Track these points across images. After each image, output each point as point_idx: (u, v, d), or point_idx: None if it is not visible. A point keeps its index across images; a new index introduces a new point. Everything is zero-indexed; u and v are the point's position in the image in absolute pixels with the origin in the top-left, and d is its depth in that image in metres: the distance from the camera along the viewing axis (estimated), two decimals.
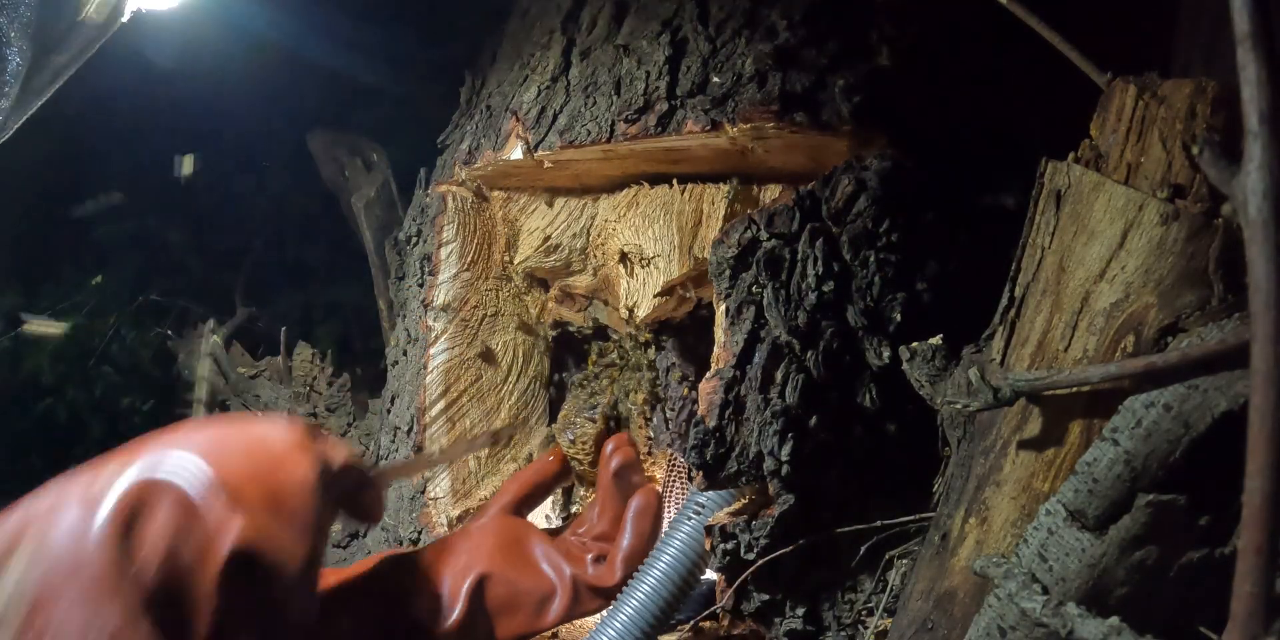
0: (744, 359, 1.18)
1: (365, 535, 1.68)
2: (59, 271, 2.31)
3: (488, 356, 1.56)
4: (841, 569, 1.18)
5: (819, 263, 1.17)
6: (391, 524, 1.61)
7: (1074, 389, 0.88)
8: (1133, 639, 0.73)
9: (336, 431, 1.88)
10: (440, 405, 1.51)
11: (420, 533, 1.55)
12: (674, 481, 1.56)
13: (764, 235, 1.20)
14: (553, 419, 1.63)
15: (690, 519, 1.25)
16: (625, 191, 1.44)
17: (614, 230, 1.43)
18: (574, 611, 1.24)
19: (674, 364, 1.48)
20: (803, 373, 1.16)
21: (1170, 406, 0.79)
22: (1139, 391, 0.81)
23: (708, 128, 1.25)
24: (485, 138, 1.49)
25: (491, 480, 1.54)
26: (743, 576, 1.16)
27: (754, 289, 1.19)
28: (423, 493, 1.55)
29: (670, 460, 1.54)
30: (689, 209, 1.37)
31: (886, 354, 1.16)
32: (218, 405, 2.02)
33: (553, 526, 1.56)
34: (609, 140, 1.31)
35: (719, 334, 1.22)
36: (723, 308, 1.22)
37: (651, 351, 1.50)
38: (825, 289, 1.17)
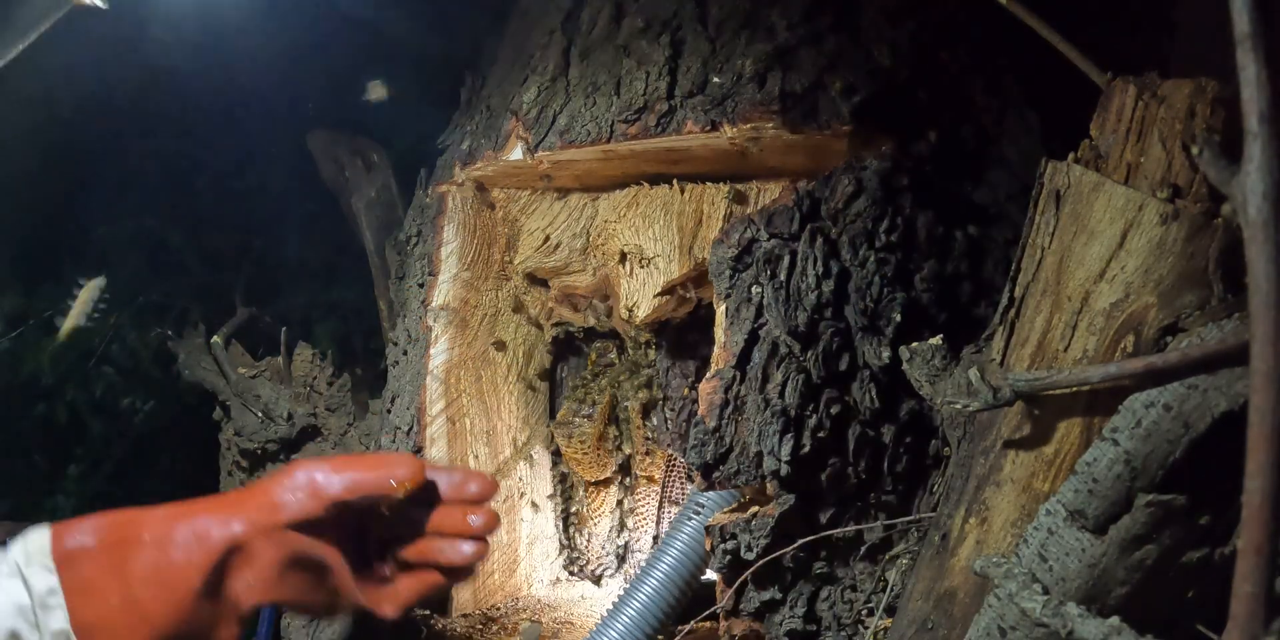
0: (743, 359, 1.18)
1: None
2: (59, 272, 2.30)
3: (488, 356, 1.56)
4: (841, 568, 1.18)
5: (818, 263, 1.17)
6: None
7: (1074, 389, 0.88)
8: (1133, 639, 0.73)
9: (336, 432, 1.88)
10: (440, 405, 1.51)
11: None
12: (673, 481, 1.56)
13: (764, 235, 1.20)
14: (552, 418, 1.63)
15: (691, 519, 1.25)
16: (625, 191, 1.44)
17: (614, 230, 1.43)
18: None
19: (674, 364, 1.48)
20: (802, 373, 1.16)
21: (1170, 406, 0.79)
22: (1139, 391, 0.81)
23: (707, 128, 1.25)
24: (485, 138, 1.49)
25: None
26: (743, 576, 1.16)
27: (754, 289, 1.19)
28: None
29: (669, 460, 1.54)
30: (689, 209, 1.37)
31: (886, 354, 1.16)
32: (218, 405, 2.02)
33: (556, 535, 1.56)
34: (609, 140, 1.31)
35: (719, 334, 1.22)
36: (722, 308, 1.22)
37: (651, 351, 1.51)
38: (825, 289, 1.17)
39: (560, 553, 1.57)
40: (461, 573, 0.87)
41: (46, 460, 2.38)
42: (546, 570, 1.55)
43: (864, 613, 1.17)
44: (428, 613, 1.42)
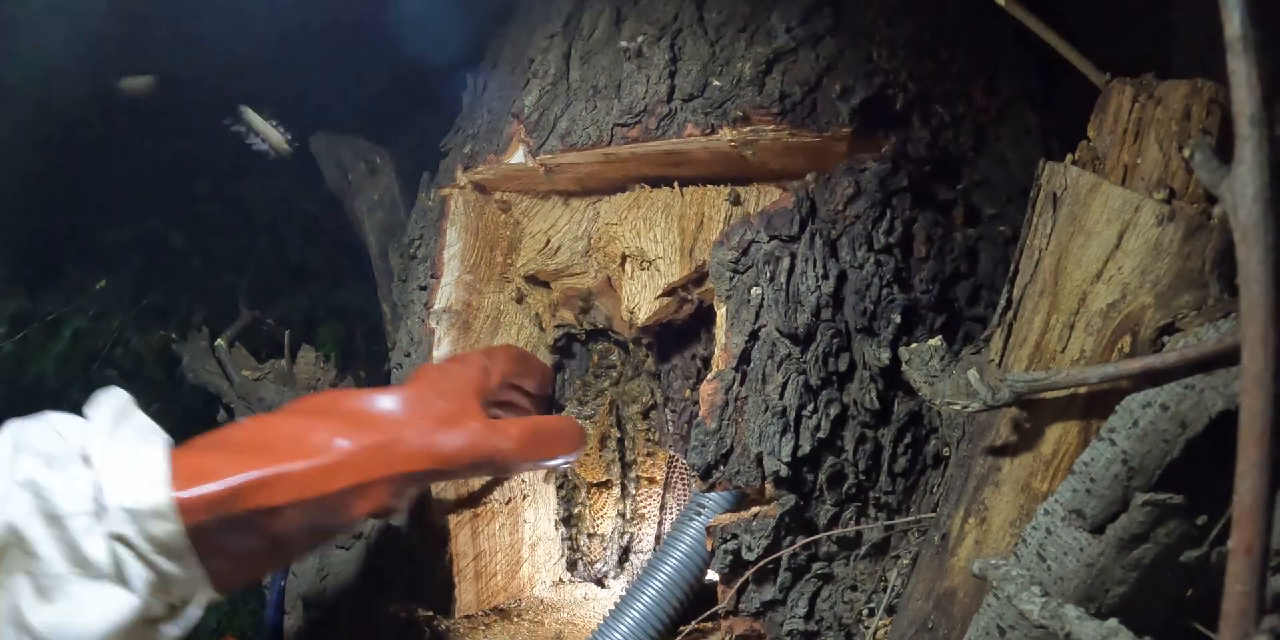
0: (744, 360, 1.19)
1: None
2: (62, 274, 2.31)
3: None
4: (842, 568, 1.19)
5: (818, 264, 1.18)
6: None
7: (1072, 389, 0.89)
8: None
9: None
10: None
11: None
12: (675, 482, 1.56)
13: (763, 237, 1.21)
14: None
15: (693, 520, 1.25)
16: (626, 194, 1.44)
17: (615, 233, 1.43)
18: None
19: (675, 366, 1.49)
20: (802, 374, 1.16)
21: (1167, 406, 0.79)
22: (1136, 392, 0.81)
23: (707, 131, 1.25)
24: (487, 141, 1.49)
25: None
26: (744, 577, 1.17)
27: (753, 291, 1.19)
28: None
29: (671, 461, 1.55)
30: (690, 211, 1.37)
31: (885, 355, 1.17)
32: (222, 408, 2.03)
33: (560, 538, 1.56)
34: (609, 143, 1.32)
35: (719, 336, 1.23)
36: (723, 310, 1.23)
37: (652, 353, 1.51)
38: (824, 290, 1.17)
39: (563, 554, 1.57)
40: None
41: None
42: (549, 571, 1.55)
43: (865, 612, 1.17)
44: (430, 613, 1.42)
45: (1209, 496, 0.78)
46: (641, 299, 1.40)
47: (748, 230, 1.22)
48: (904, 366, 1.03)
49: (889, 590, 1.16)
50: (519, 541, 1.51)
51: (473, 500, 1.47)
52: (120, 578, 0.91)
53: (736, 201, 1.34)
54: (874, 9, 1.31)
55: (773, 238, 1.20)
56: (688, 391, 1.49)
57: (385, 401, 1.09)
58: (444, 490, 1.45)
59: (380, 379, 1.86)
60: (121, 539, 0.91)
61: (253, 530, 0.98)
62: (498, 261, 1.57)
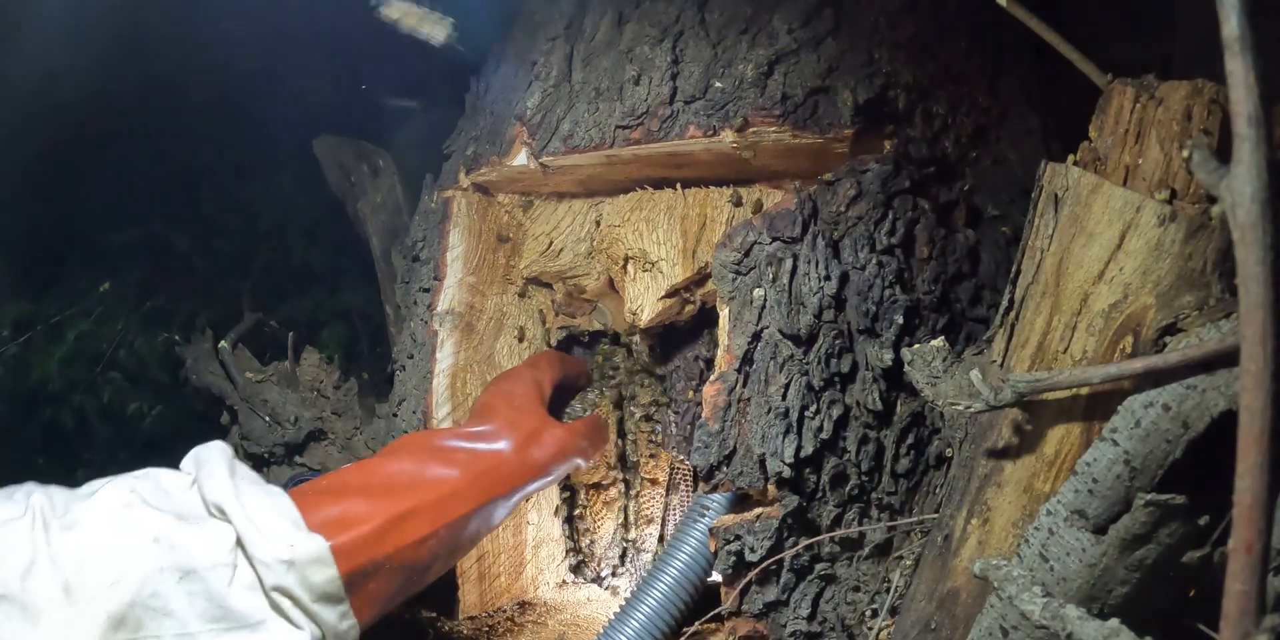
0: (746, 362, 1.19)
1: None
2: (66, 278, 2.31)
3: (494, 360, 1.56)
4: (845, 569, 1.19)
5: (820, 265, 1.18)
6: None
7: (1074, 390, 0.89)
8: None
9: (343, 436, 1.88)
10: (447, 409, 1.51)
11: None
12: (678, 484, 1.56)
13: (765, 239, 1.21)
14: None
15: (697, 521, 1.26)
16: (629, 196, 1.44)
17: (618, 234, 1.43)
18: None
19: (678, 367, 1.49)
20: (805, 375, 1.16)
21: (1169, 406, 0.79)
22: (1138, 392, 0.81)
23: (710, 132, 1.26)
24: (490, 143, 1.50)
25: None
26: (747, 577, 1.17)
27: (756, 292, 1.19)
28: None
29: (674, 462, 1.55)
30: (693, 213, 1.37)
31: (888, 356, 1.17)
32: (226, 410, 2.03)
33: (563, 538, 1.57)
34: (612, 146, 1.32)
35: (722, 337, 1.23)
36: (726, 311, 1.23)
37: (655, 354, 1.51)
38: (826, 291, 1.17)
39: (566, 555, 1.57)
40: None
41: (54, 465, 2.38)
42: (553, 573, 1.55)
43: (868, 613, 1.17)
44: (434, 615, 1.43)
45: (1211, 496, 0.78)
46: (644, 300, 1.40)
47: (750, 232, 1.22)
48: (906, 367, 1.03)
49: (892, 591, 1.16)
50: (522, 543, 1.52)
51: None
52: (274, 628, 0.93)
53: (740, 203, 1.34)
54: (875, 10, 1.31)
55: (775, 239, 1.21)
56: (690, 393, 1.49)
57: (476, 434, 1.19)
58: None
59: (383, 381, 1.86)
60: (282, 590, 0.94)
61: (394, 567, 1.05)
62: (501, 263, 1.57)
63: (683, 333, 1.48)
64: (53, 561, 0.87)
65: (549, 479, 1.24)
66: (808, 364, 1.17)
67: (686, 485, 1.55)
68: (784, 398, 1.16)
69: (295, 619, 0.94)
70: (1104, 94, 0.97)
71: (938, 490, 1.19)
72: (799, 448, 1.15)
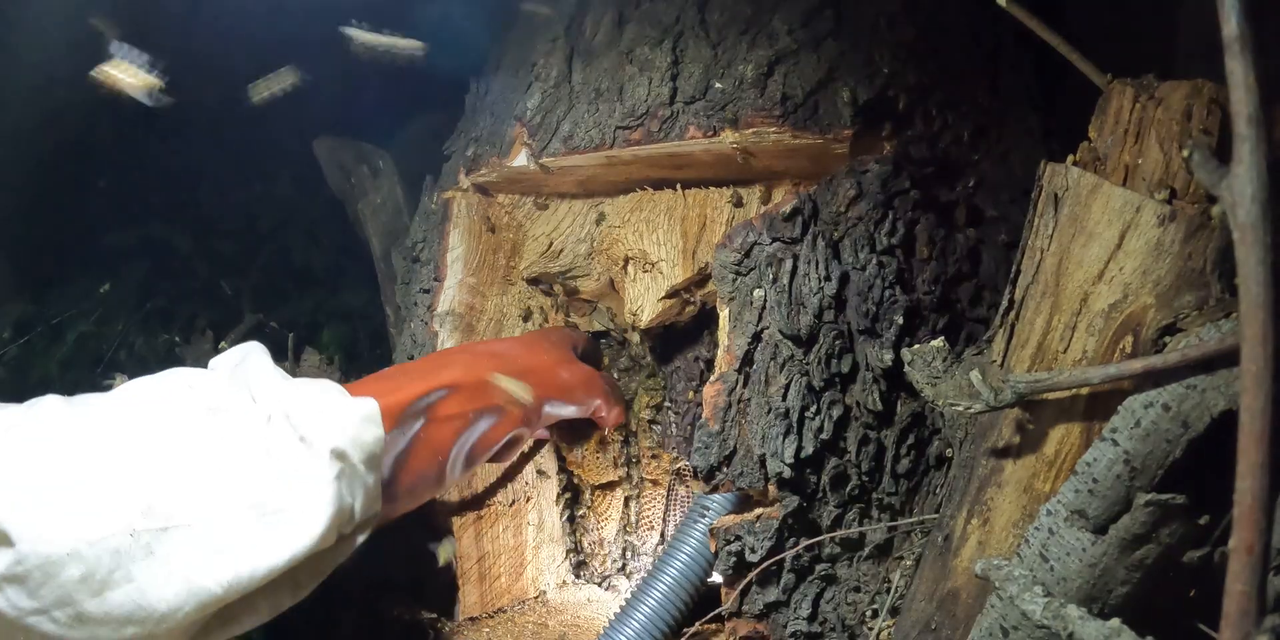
0: (746, 362, 1.19)
1: None
2: (66, 278, 2.31)
3: None
4: (845, 570, 1.19)
5: (820, 266, 1.18)
6: None
7: (1074, 390, 0.89)
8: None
9: None
10: None
11: None
12: (680, 484, 1.56)
13: (765, 239, 1.21)
14: None
15: (698, 522, 1.26)
16: (629, 196, 1.44)
17: (618, 235, 1.43)
18: None
19: (678, 368, 1.49)
20: (805, 375, 1.16)
21: (1169, 406, 0.79)
22: (1138, 392, 0.81)
23: (710, 133, 1.26)
24: (490, 144, 1.50)
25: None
26: (747, 578, 1.17)
27: (756, 292, 1.19)
28: None
29: (675, 463, 1.55)
30: (693, 214, 1.37)
31: (888, 356, 1.17)
32: None
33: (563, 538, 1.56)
34: (612, 146, 1.32)
35: (722, 338, 1.23)
36: (726, 311, 1.23)
37: (656, 355, 1.51)
38: (826, 292, 1.17)
39: (567, 556, 1.57)
40: None
41: None
42: (553, 573, 1.55)
43: (868, 614, 1.17)
44: (434, 616, 1.42)
45: (1212, 496, 0.78)
46: (645, 301, 1.40)
47: (750, 232, 1.22)
48: (906, 368, 1.03)
49: (892, 591, 1.16)
50: (522, 544, 1.52)
51: (476, 502, 1.48)
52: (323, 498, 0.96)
53: (739, 203, 1.34)
54: (875, 11, 1.31)
55: (775, 239, 1.21)
56: (691, 393, 1.49)
57: (515, 347, 1.31)
58: (448, 492, 1.46)
59: None
60: (337, 453, 0.98)
61: (424, 444, 1.12)
62: (501, 264, 1.57)
63: (683, 333, 1.48)
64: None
65: (572, 406, 1.32)
66: (808, 364, 1.17)
67: (688, 486, 1.55)
68: (784, 398, 1.16)
69: (342, 490, 0.98)
70: (1104, 94, 0.97)
71: (938, 490, 1.19)
72: (799, 448, 1.15)
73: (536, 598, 1.52)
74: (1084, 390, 0.89)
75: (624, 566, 1.60)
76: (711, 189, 1.37)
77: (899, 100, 1.28)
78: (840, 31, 1.28)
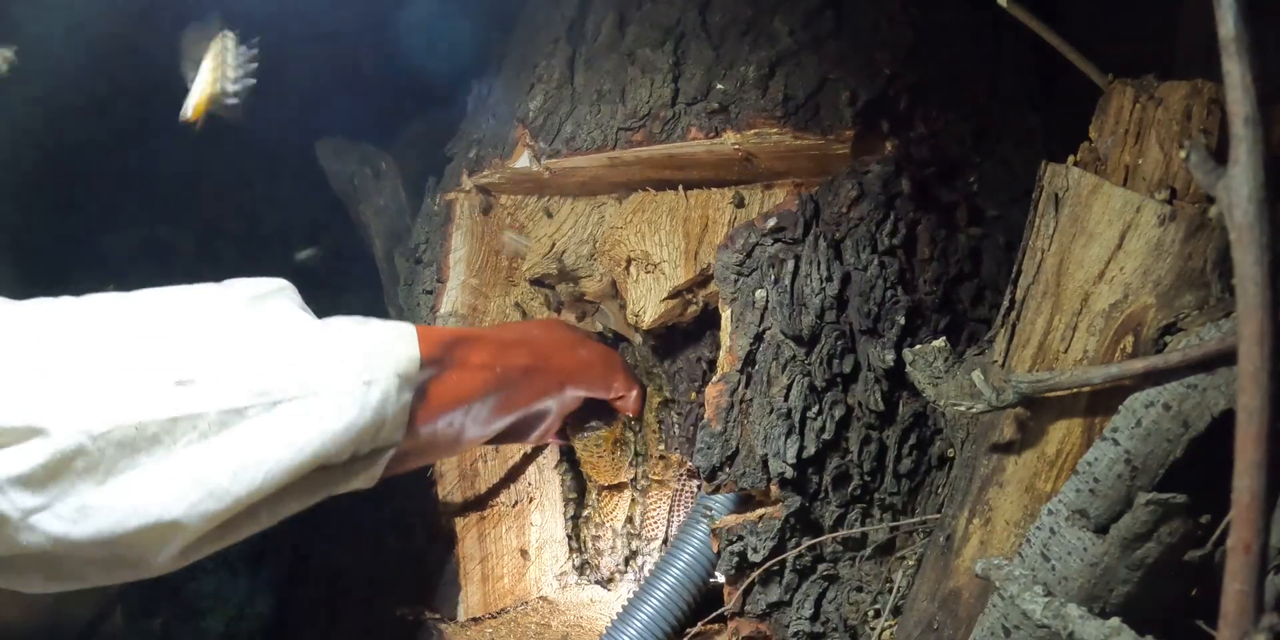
0: (748, 363, 1.19)
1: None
2: (69, 280, 2.31)
3: None
4: (847, 570, 1.19)
5: (822, 266, 1.18)
6: None
7: (1075, 390, 0.89)
8: (1132, 639, 0.73)
9: None
10: None
11: None
12: (684, 485, 1.56)
13: (768, 240, 1.21)
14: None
15: (701, 522, 1.26)
16: (631, 198, 1.45)
17: (620, 236, 1.44)
18: None
19: (680, 368, 1.49)
20: (807, 375, 1.17)
21: (1170, 406, 0.79)
22: (1139, 391, 0.81)
23: (711, 134, 1.26)
24: (492, 146, 1.50)
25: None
26: (750, 578, 1.17)
27: (758, 293, 1.20)
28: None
29: (680, 463, 1.55)
30: (695, 214, 1.37)
31: (889, 356, 1.17)
32: None
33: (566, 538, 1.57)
34: (614, 147, 1.33)
35: (724, 338, 1.23)
36: (728, 312, 1.23)
37: (660, 355, 1.51)
38: (828, 292, 1.17)
39: (569, 556, 1.57)
40: None
41: None
42: (556, 573, 1.55)
43: (870, 613, 1.17)
44: (437, 616, 1.43)
45: (1213, 495, 0.78)
46: (647, 302, 1.40)
47: (752, 233, 1.22)
48: (908, 368, 1.03)
49: (894, 591, 1.16)
50: (525, 544, 1.52)
51: (479, 503, 1.48)
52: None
53: (740, 204, 1.34)
54: (876, 11, 1.31)
55: (777, 240, 1.21)
56: (693, 394, 1.49)
57: (533, 327, 1.37)
58: (451, 492, 1.46)
59: None
60: (368, 359, 0.97)
61: (452, 385, 1.10)
62: (503, 265, 1.58)
63: (685, 334, 1.48)
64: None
65: (591, 384, 1.34)
66: (810, 365, 1.17)
67: (692, 486, 1.55)
68: (786, 398, 1.16)
69: (367, 399, 0.96)
70: (1104, 94, 0.97)
71: (940, 490, 1.19)
72: (801, 448, 1.15)
73: (539, 598, 1.52)
74: (1085, 390, 0.89)
75: (627, 567, 1.60)
76: (713, 190, 1.37)
77: (900, 101, 1.29)
78: (841, 32, 1.29)
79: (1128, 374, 0.81)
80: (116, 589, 1.64)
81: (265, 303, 1.02)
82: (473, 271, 1.55)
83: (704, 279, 1.37)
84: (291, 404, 0.90)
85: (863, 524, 1.19)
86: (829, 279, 1.18)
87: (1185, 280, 0.84)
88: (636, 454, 1.57)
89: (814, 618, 1.18)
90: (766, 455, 1.16)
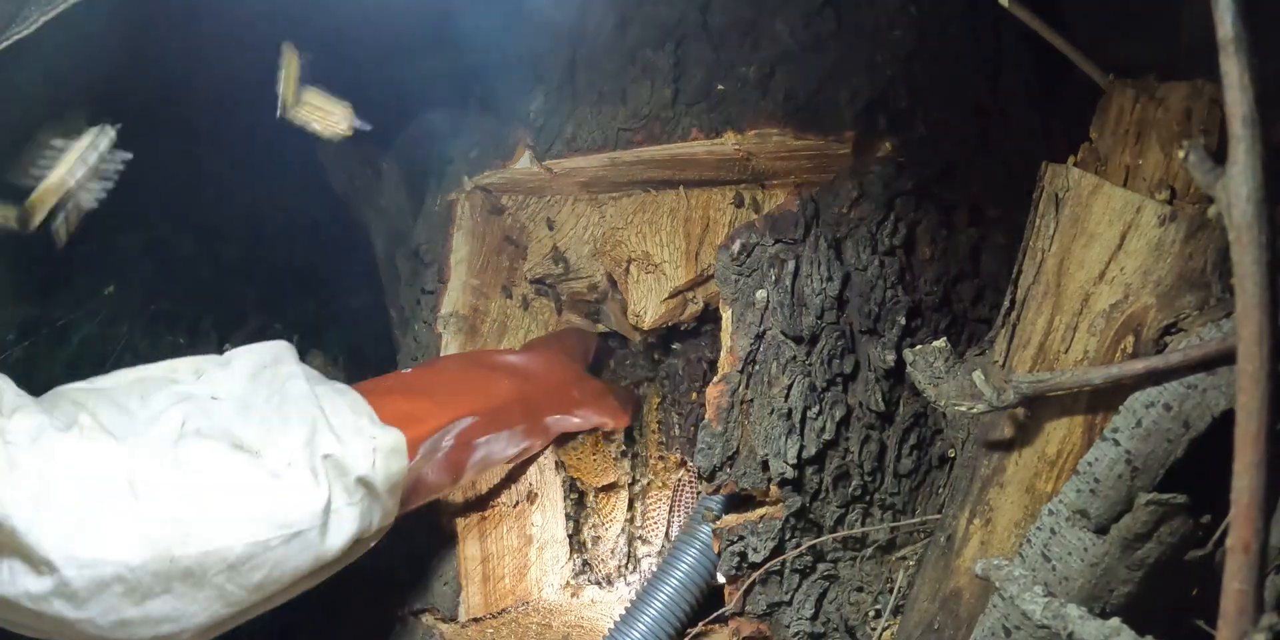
0: (749, 363, 1.19)
1: None
2: (71, 280, 2.31)
3: None
4: (848, 570, 1.19)
5: (822, 267, 1.18)
6: None
7: (1075, 390, 0.89)
8: (1132, 639, 0.73)
9: None
10: None
11: None
12: (684, 485, 1.56)
13: (768, 240, 1.21)
14: None
15: (702, 523, 1.26)
16: (632, 198, 1.45)
17: (621, 237, 1.44)
18: None
19: (681, 368, 1.49)
20: (807, 375, 1.16)
21: (1170, 406, 0.79)
22: (1139, 391, 0.81)
23: (712, 135, 1.26)
24: (493, 147, 1.50)
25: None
26: (751, 578, 1.17)
27: (758, 293, 1.19)
28: None
29: (680, 464, 1.55)
30: (695, 215, 1.38)
31: (890, 356, 1.17)
32: None
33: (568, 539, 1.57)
34: (615, 148, 1.33)
35: (725, 338, 1.23)
36: (729, 312, 1.23)
37: (659, 356, 1.51)
38: (829, 292, 1.17)
39: (570, 557, 1.57)
40: None
41: None
42: (557, 574, 1.55)
43: (871, 613, 1.17)
44: (439, 617, 1.43)
45: (1213, 495, 0.78)
46: (648, 302, 1.40)
47: (753, 233, 1.22)
48: (909, 368, 1.03)
49: (895, 591, 1.16)
50: (526, 545, 1.52)
51: (480, 504, 1.48)
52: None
53: (741, 204, 1.34)
54: (875, 12, 1.31)
55: (777, 240, 1.21)
56: (694, 394, 1.49)
57: (533, 362, 1.37)
58: (452, 493, 1.46)
59: None
60: (364, 480, 1.04)
61: (443, 465, 1.19)
62: (504, 266, 1.58)
63: (686, 334, 1.48)
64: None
65: (576, 422, 1.38)
66: (810, 365, 1.17)
67: (693, 486, 1.55)
68: (787, 398, 1.16)
69: (365, 512, 1.06)
70: (1104, 95, 0.97)
71: (940, 490, 1.19)
72: (802, 448, 1.15)
73: (540, 598, 1.52)
74: (1085, 390, 0.89)
75: (628, 567, 1.60)
76: (714, 190, 1.38)
77: (900, 101, 1.28)
78: (841, 33, 1.28)
79: (1128, 374, 0.81)
80: None
81: (267, 381, 1.15)
82: (474, 272, 1.54)
83: (705, 279, 1.37)
84: (310, 533, 1.00)
85: (863, 524, 1.19)
86: (829, 279, 1.18)
87: (1185, 280, 0.84)
88: (635, 455, 1.57)
89: (814, 617, 1.18)
90: (767, 455, 1.16)
